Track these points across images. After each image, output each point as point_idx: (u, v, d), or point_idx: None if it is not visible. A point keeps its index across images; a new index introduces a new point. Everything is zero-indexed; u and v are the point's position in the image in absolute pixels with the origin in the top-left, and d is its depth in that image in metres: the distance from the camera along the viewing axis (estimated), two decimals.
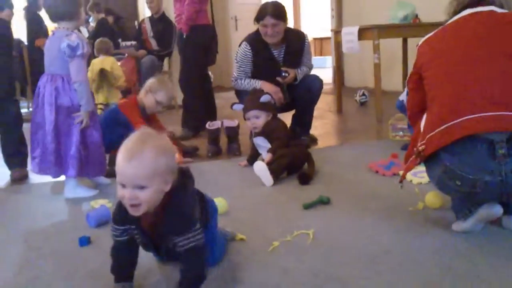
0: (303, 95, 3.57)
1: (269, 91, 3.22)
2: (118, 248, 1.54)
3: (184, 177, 1.51)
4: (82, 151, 2.59)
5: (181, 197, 1.46)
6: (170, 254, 1.53)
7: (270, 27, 3.42)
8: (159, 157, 1.36)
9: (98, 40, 5.22)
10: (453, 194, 1.86)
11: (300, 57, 3.64)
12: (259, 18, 3.47)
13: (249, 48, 3.53)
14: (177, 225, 1.43)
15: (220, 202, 2.08)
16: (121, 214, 1.48)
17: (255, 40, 3.55)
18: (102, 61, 5.05)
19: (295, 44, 3.61)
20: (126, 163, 1.34)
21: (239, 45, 3.64)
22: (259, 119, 2.97)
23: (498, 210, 1.75)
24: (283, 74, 3.50)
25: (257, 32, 3.58)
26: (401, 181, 2.01)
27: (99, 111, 5.06)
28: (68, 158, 2.58)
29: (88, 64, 5.33)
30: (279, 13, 3.44)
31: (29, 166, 2.81)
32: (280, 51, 3.58)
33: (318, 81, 3.62)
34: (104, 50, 5.13)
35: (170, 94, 3.34)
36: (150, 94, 3.21)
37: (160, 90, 3.21)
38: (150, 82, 3.26)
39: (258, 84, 3.46)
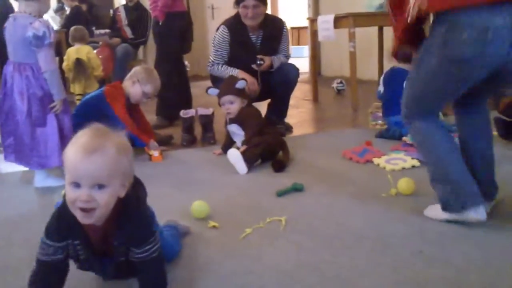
0: (279, 84, 3.55)
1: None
2: (44, 273, 1.30)
3: (135, 184, 1.37)
4: (61, 139, 2.56)
5: (136, 206, 1.33)
6: (120, 271, 1.39)
7: (251, 9, 3.41)
8: (121, 155, 1.23)
9: (72, 28, 5.11)
10: (442, 95, 1.81)
11: (278, 44, 3.62)
12: (239, 0, 3.44)
13: (227, 31, 3.51)
14: (135, 237, 1.30)
15: (201, 207, 2.00)
16: (60, 227, 1.28)
17: (233, 23, 3.53)
18: (78, 50, 4.95)
19: (273, 30, 3.60)
20: (85, 158, 1.18)
21: (217, 30, 3.61)
22: (233, 104, 2.95)
23: (483, 215, 1.75)
24: (258, 62, 3.47)
25: (235, 16, 3.56)
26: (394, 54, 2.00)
27: (77, 102, 5.02)
28: (48, 148, 2.53)
29: (64, 53, 5.24)
30: None
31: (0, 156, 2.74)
32: (257, 36, 3.57)
33: (294, 70, 3.60)
34: (79, 38, 5.03)
35: (158, 86, 3.25)
36: (137, 85, 3.12)
37: (149, 82, 3.14)
38: (138, 71, 3.17)
39: (235, 72, 3.43)
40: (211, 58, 3.59)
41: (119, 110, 3.03)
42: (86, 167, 1.18)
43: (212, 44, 3.60)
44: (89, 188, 1.19)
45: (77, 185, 1.19)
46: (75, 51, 4.93)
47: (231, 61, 3.54)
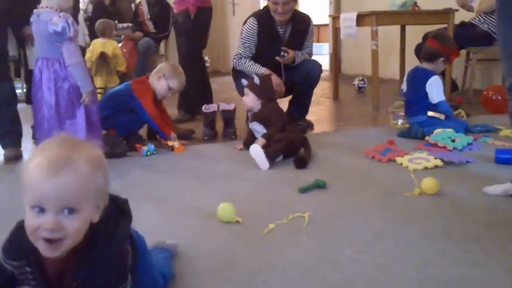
0: (302, 80, 3.56)
1: (273, 81, 3.23)
2: None
3: (115, 208, 1.12)
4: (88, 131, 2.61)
5: (110, 237, 1.05)
6: None
7: (281, 5, 3.42)
8: (95, 171, 1.00)
9: (99, 21, 5.18)
10: None
11: (303, 39, 3.65)
12: None
13: (256, 23, 3.52)
14: (102, 279, 1.02)
15: (225, 209, 1.94)
16: (12, 249, 1.05)
17: (262, 16, 3.55)
18: (104, 44, 4.99)
19: (301, 26, 3.63)
20: (51, 177, 0.94)
21: (244, 23, 3.62)
22: (247, 96, 3.02)
23: None
24: (282, 53, 3.48)
25: (264, 9, 3.58)
26: None
27: (98, 96, 5.08)
28: None
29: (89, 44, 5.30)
30: None
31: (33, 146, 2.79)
32: (285, 30, 3.58)
33: (318, 66, 3.61)
34: (104, 32, 5.09)
35: (183, 81, 3.30)
36: (163, 80, 3.19)
37: (175, 77, 3.21)
38: (163, 67, 3.24)
39: (262, 71, 3.43)
40: (239, 51, 3.59)
41: (148, 105, 3.11)
42: (53, 187, 0.94)
43: (240, 37, 3.61)
44: (55, 213, 0.95)
45: (40, 209, 0.95)
46: (101, 45, 4.97)
47: (257, 54, 3.54)
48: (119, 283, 1.05)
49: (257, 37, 3.52)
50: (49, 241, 0.96)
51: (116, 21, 6.23)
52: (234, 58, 3.64)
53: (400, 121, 3.57)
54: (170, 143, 3.09)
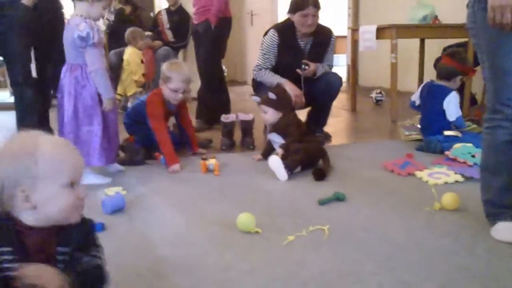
0: (322, 92, 3.55)
1: (291, 92, 3.25)
2: None
3: None
4: (104, 139, 2.62)
5: None
6: None
7: (311, 17, 3.43)
8: None
9: (128, 30, 5.36)
10: None
11: (324, 52, 3.64)
12: (299, 7, 3.44)
13: (277, 35, 3.52)
14: (81, 238, 1.14)
15: (246, 219, 1.92)
16: None
17: (283, 28, 3.55)
18: (127, 52, 5.12)
19: (323, 38, 3.62)
20: (73, 153, 1.13)
21: (265, 34, 3.63)
22: (267, 114, 3.03)
23: None
24: (303, 66, 3.49)
25: (286, 22, 3.58)
26: None
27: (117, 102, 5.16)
28: (92, 147, 2.60)
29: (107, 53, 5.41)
30: (319, 3, 3.48)
31: None
32: (306, 43, 3.58)
33: (338, 79, 3.61)
34: (129, 40, 5.22)
35: (185, 77, 3.03)
36: (164, 86, 3.04)
37: (171, 78, 2.98)
38: (161, 73, 3.08)
39: (282, 81, 3.43)
40: (259, 62, 3.59)
41: (155, 124, 2.95)
42: (79, 161, 1.13)
43: (260, 48, 3.61)
44: (79, 184, 1.13)
45: (71, 185, 1.11)
46: (126, 52, 5.08)
47: (278, 66, 3.55)
48: (95, 239, 1.19)
49: (278, 49, 3.52)
50: (82, 206, 1.13)
51: None
52: (254, 70, 3.63)
53: (414, 133, 3.55)
54: (211, 161, 2.87)
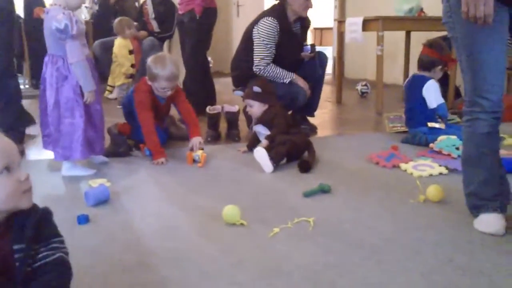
0: (313, 72, 3.61)
1: (304, 86, 3.43)
2: None
3: None
4: (89, 130, 2.59)
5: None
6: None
7: (310, 0, 3.47)
8: None
9: (116, 20, 5.34)
10: None
11: (306, 35, 3.74)
12: None
13: (276, 22, 3.40)
14: (34, 229, 1.09)
15: (231, 211, 1.92)
16: None
17: (279, 14, 3.44)
18: (115, 43, 5.14)
19: (307, 22, 3.69)
20: (4, 138, 1.09)
21: (256, 23, 3.46)
22: (253, 107, 3.06)
23: None
24: (310, 48, 3.58)
25: (275, 7, 3.51)
26: None
27: (106, 93, 5.15)
28: (73, 141, 2.56)
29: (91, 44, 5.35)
30: None
31: (41, 144, 2.77)
32: (296, 28, 3.60)
33: (326, 57, 3.73)
34: (117, 30, 5.18)
35: (171, 75, 2.90)
36: (152, 84, 2.94)
37: (157, 77, 2.88)
38: (148, 67, 2.92)
39: (292, 76, 3.44)
40: (263, 54, 3.40)
41: (141, 115, 2.90)
42: (8, 143, 1.09)
43: (259, 40, 3.41)
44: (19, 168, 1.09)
45: (8, 169, 1.06)
46: (115, 44, 5.16)
47: (277, 53, 3.45)
48: (56, 228, 1.16)
49: (278, 37, 3.42)
50: (29, 189, 1.08)
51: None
52: (259, 65, 3.41)
53: (398, 125, 3.57)
54: (198, 152, 2.85)
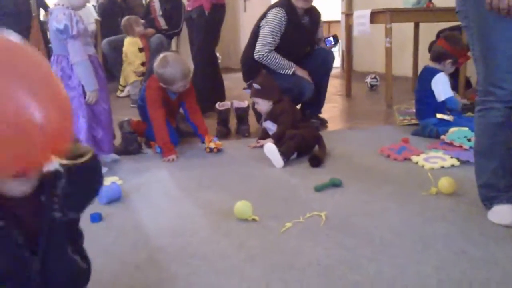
0: (318, 68, 3.58)
1: (304, 75, 3.42)
2: None
3: None
4: (96, 130, 2.59)
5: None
6: (51, 257, 1.07)
7: None
8: None
9: (124, 18, 5.32)
10: None
11: (317, 29, 3.69)
12: None
13: (284, 13, 3.41)
14: (81, 196, 1.10)
15: (243, 207, 1.92)
16: None
17: (288, 6, 3.44)
18: (125, 43, 5.15)
19: (316, 16, 3.66)
20: None
21: (267, 12, 3.48)
22: (258, 105, 3.07)
23: None
24: (332, 40, 3.64)
25: (283, 1, 3.49)
26: None
27: (118, 92, 5.17)
28: (79, 140, 2.57)
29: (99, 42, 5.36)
30: None
31: None
32: (305, 21, 3.58)
33: (331, 53, 3.69)
34: (125, 29, 5.19)
35: (184, 73, 2.92)
36: (167, 87, 2.96)
37: (173, 81, 2.90)
38: (159, 74, 2.91)
39: (293, 67, 3.42)
40: (268, 40, 3.38)
41: (152, 113, 2.92)
42: None
43: (267, 26, 3.41)
44: None
45: None
46: (124, 43, 5.15)
47: (282, 45, 3.43)
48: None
49: (284, 28, 3.41)
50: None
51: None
52: (260, 52, 3.39)
53: (408, 117, 3.55)
54: (211, 144, 2.99)
